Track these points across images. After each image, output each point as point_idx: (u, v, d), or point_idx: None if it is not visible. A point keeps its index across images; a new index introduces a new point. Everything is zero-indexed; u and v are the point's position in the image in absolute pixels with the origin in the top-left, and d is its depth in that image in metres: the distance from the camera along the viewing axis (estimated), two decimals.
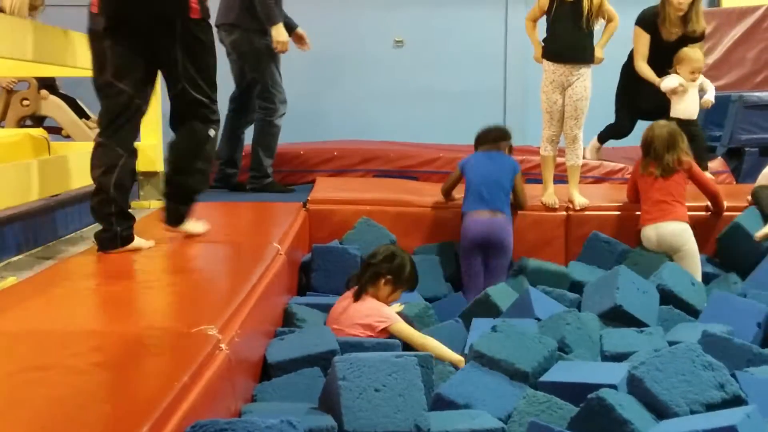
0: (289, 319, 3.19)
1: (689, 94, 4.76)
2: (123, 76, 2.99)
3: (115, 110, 3.03)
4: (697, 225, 4.12)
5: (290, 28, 5.01)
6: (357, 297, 3.13)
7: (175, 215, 3.25)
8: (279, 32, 4.75)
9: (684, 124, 4.53)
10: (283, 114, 5.00)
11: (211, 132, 3.20)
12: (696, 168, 4.18)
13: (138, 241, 3.11)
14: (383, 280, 3.20)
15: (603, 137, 5.55)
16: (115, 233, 3.03)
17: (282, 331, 3.01)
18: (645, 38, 4.95)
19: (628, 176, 4.72)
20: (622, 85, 5.29)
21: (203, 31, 3.10)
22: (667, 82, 4.71)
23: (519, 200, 4.26)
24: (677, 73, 4.75)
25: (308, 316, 3.18)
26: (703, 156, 4.81)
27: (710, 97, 4.80)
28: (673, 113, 4.73)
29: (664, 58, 4.85)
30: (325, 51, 7.38)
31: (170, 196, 3.24)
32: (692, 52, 4.75)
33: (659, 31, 4.93)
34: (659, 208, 4.04)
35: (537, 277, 3.88)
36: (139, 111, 3.10)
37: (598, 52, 4.38)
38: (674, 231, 4.00)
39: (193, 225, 3.32)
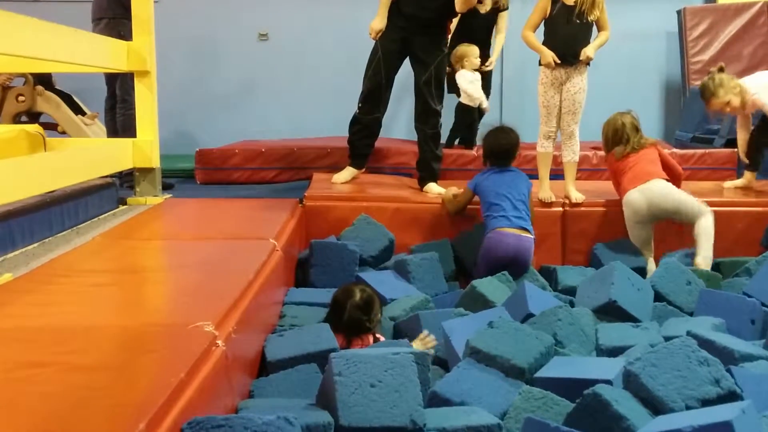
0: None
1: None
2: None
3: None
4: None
5: None
6: None
7: (422, 183, 4.69)
8: None
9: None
10: None
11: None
12: (659, 146, 4.46)
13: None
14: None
15: None
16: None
17: (281, 327, 3.02)
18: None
19: None
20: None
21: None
22: None
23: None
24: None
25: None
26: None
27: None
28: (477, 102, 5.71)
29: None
30: (322, 50, 7.41)
31: (420, 169, 4.75)
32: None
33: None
34: (638, 175, 4.15)
35: None
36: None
37: (590, 52, 4.33)
38: (660, 187, 4.11)
39: (437, 188, 4.59)
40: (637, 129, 4.28)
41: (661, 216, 4.14)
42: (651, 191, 4.10)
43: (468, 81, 5.70)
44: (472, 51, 5.73)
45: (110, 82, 5.03)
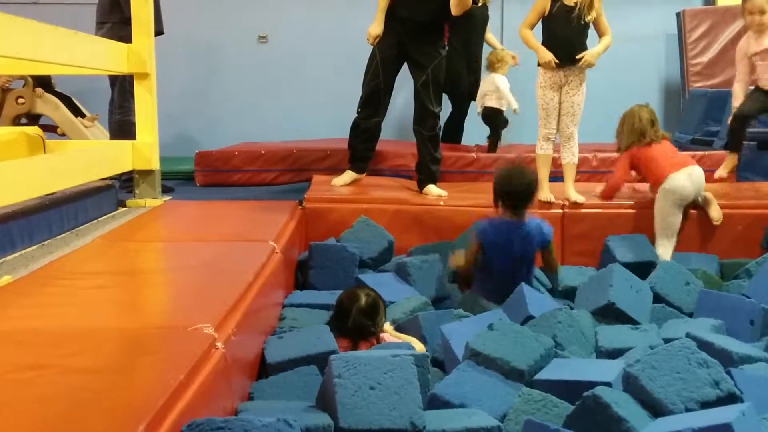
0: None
1: None
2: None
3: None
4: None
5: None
6: None
7: (422, 185, 4.70)
8: None
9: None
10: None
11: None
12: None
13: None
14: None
15: None
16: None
17: (281, 329, 3.02)
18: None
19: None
20: None
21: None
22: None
23: (550, 266, 3.70)
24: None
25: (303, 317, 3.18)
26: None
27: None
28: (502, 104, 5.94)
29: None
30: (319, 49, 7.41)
31: (419, 171, 4.76)
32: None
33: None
34: (677, 158, 4.30)
35: None
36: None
37: (591, 59, 4.29)
38: (701, 173, 4.29)
39: (436, 190, 4.60)
40: (653, 123, 4.37)
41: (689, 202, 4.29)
42: (698, 177, 4.24)
43: (507, 85, 5.95)
44: (509, 59, 6.00)
45: (114, 85, 5.05)
